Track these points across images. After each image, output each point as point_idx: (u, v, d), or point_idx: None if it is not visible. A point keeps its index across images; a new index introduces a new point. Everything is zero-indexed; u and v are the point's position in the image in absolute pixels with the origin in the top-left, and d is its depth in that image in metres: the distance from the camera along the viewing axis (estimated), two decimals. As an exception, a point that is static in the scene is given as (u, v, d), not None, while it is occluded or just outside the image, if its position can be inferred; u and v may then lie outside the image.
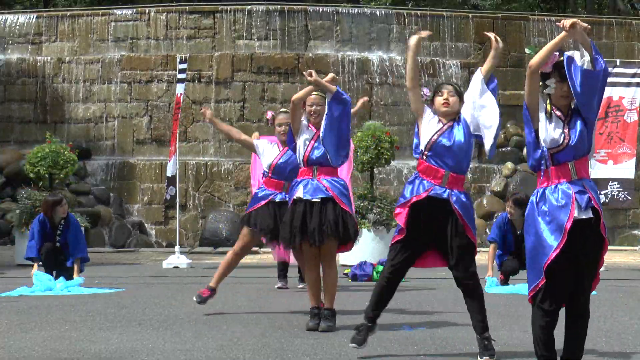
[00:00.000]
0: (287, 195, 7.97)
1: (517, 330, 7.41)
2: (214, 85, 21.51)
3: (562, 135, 5.23)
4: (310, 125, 7.70)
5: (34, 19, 22.89)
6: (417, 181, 6.20)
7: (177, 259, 14.65)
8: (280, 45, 22.21)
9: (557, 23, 5.22)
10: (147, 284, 11.59)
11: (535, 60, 5.24)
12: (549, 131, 5.23)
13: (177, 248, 14.89)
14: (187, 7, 22.96)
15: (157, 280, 12.19)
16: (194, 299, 8.40)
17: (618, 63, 15.68)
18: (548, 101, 5.29)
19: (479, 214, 20.53)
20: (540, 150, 5.27)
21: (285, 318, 8.26)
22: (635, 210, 21.14)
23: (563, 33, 5.24)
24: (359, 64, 21.68)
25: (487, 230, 18.73)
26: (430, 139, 6.16)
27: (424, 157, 6.17)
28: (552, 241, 5.18)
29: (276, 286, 10.95)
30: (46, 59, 22.24)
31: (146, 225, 20.51)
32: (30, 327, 7.64)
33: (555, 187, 5.25)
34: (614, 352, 6.41)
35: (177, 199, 15.25)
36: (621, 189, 14.85)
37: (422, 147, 6.17)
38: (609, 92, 15.11)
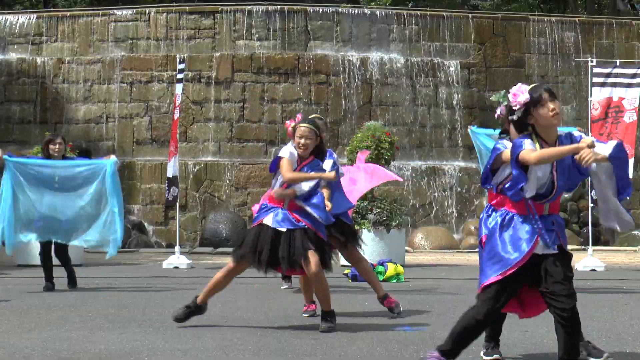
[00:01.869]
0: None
1: (517, 331, 7.41)
2: (214, 85, 21.52)
3: (552, 185, 5.20)
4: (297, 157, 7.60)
5: (34, 19, 22.90)
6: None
7: (177, 260, 14.65)
8: (280, 45, 22.22)
9: (577, 161, 5.03)
10: (147, 285, 11.59)
11: (536, 159, 5.05)
12: (537, 181, 5.16)
13: (177, 248, 14.89)
14: (187, 8, 22.96)
15: (157, 281, 12.19)
16: None
17: (618, 63, 15.68)
18: (535, 138, 5.18)
19: (479, 214, 20.54)
20: (518, 188, 5.16)
21: (285, 318, 8.26)
22: (635, 210, 21.15)
23: (572, 146, 5.07)
24: (359, 64, 21.69)
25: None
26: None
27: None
28: (512, 258, 5.19)
29: (282, 287, 10.99)
30: (46, 59, 22.25)
31: (146, 225, 20.51)
32: (30, 327, 7.64)
33: (525, 218, 5.23)
34: (614, 352, 6.40)
35: (177, 200, 15.25)
36: None
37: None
38: (608, 92, 15.11)
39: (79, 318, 8.24)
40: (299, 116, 8.03)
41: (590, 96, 15.27)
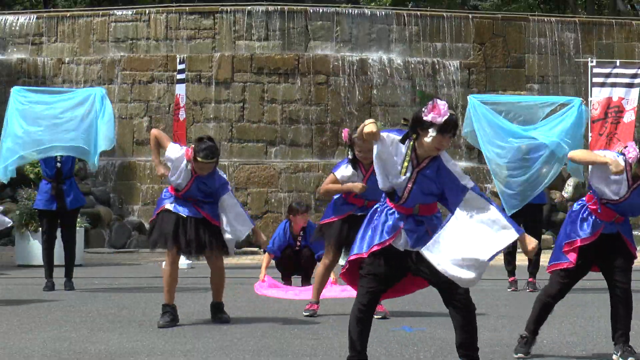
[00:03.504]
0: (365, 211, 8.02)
1: (517, 331, 7.41)
2: (214, 85, 21.51)
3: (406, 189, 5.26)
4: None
5: (34, 19, 22.89)
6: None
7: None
8: (280, 45, 22.21)
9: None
10: (147, 285, 11.59)
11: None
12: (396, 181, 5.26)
13: (177, 249, 14.84)
14: (187, 8, 22.95)
15: (157, 281, 12.18)
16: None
17: (618, 63, 15.68)
18: (409, 154, 5.20)
19: (479, 214, 20.53)
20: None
21: (285, 319, 8.27)
22: (635, 210, 21.14)
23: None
24: (359, 64, 21.69)
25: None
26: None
27: (603, 201, 6.24)
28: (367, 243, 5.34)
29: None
30: (46, 59, 22.24)
31: (146, 225, 20.50)
32: (30, 327, 7.64)
33: (393, 212, 5.31)
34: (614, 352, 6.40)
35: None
36: None
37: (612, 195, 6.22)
38: (608, 92, 15.12)
39: (79, 318, 8.24)
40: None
41: (590, 96, 15.27)
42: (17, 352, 6.45)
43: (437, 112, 5.09)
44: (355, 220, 7.93)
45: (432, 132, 5.11)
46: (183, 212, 7.89)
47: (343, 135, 8.28)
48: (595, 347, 6.81)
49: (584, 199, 6.38)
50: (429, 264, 5.13)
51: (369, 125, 5.13)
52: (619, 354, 6.17)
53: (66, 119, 10.84)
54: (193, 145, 7.81)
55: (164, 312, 7.87)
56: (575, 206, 6.40)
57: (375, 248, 5.26)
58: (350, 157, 8.18)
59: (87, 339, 7.03)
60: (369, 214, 5.47)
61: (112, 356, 6.32)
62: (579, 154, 5.94)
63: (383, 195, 5.44)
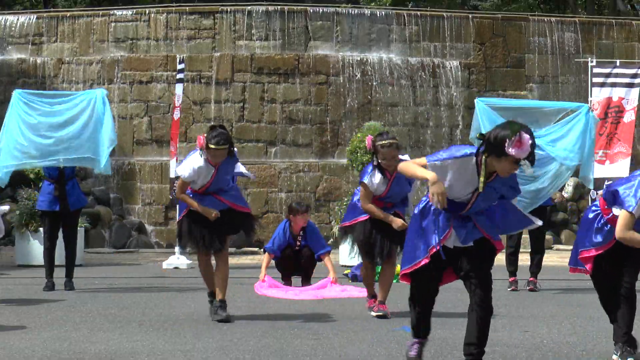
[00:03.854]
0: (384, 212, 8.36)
1: (517, 331, 7.41)
2: (214, 85, 21.51)
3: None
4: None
5: (34, 19, 22.89)
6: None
7: (177, 260, 14.65)
8: (280, 45, 22.21)
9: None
10: (148, 285, 11.59)
11: (400, 169, 5.61)
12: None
13: (177, 249, 14.88)
14: (187, 8, 22.95)
15: (157, 281, 12.19)
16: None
17: (618, 63, 15.69)
18: (484, 171, 5.35)
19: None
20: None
21: (285, 319, 8.26)
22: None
23: (424, 175, 5.44)
24: (359, 64, 21.69)
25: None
26: None
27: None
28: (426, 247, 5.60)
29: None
30: (46, 59, 22.24)
31: (146, 225, 20.51)
32: (30, 327, 7.64)
33: (440, 212, 5.54)
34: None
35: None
36: None
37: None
38: (608, 92, 15.13)
39: (79, 318, 8.24)
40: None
41: (590, 96, 15.28)
42: (17, 352, 6.45)
43: (521, 148, 5.20)
44: (375, 220, 8.28)
45: (508, 162, 5.26)
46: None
47: (367, 142, 8.43)
48: (595, 347, 6.80)
49: (597, 204, 6.35)
50: (472, 260, 5.55)
51: (438, 185, 5.29)
52: (618, 354, 6.17)
53: (71, 129, 10.83)
54: (205, 134, 7.93)
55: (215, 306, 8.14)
56: (590, 214, 6.35)
57: (433, 250, 5.54)
58: (375, 162, 8.28)
59: (87, 339, 7.03)
60: (413, 218, 5.69)
61: (112, 356, 6.31)
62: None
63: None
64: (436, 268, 5.66)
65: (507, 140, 5.18)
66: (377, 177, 8.26)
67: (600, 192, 6.99)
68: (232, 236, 8.45)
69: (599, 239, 6.22)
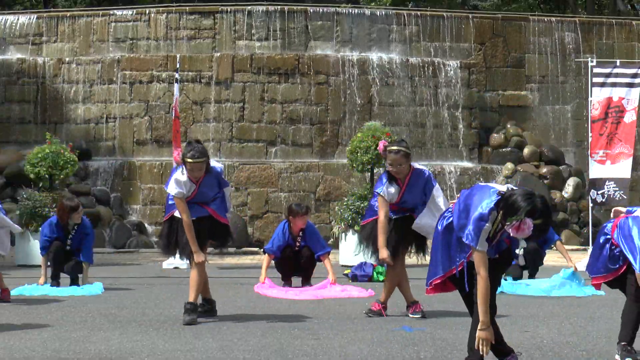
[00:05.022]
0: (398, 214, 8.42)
1: (517, 331, 7.41)
2: (214, 85, 21.51)
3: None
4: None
5: (34, 19, 22.89)
6: None
7: (177, 260, 14.62)
8: (281, 45, 22.21)
9: None
10: (148, 285, 11.59)
11: None
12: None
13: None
14: (187, 8, 22.95)
15: (157, 281, 12.18)
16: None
17: (618, 63, 15.68)
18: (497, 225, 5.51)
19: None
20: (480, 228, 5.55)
21: (285, 319, 8.26)
22: (635, 210, 21.11)
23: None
24: (359, 64, 21.68)
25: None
26: None
27: None
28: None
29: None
30: (46, 59, 22.24)
31: (146, 225, 20.51)
32: (30, 327, 7.64)
33: None
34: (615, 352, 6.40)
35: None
36: (617, 189, 14.88)
37: None
38: (608, 92, 15.12)
39: (79, 318, 8.24)
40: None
41: (590, 96, 15.27)
42: (17, 352, 6.45)
43: (521, 232, 5.34)
44: (389, 222, 8.33)
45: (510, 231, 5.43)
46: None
47: (379, 147, 8.47)
48: (595, 347, 6.80)
49: (609, 229, 6.37)
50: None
51: (487, 332, 5.62)
52: (619, 354, 6.18)
53: None
54: (182, 150, 8.11)
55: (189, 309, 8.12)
56: (602, 239, 6.39)
57: (453, 272, 5.76)
58: (387, 170, 8.34)
59: (87, 339, 7.03)
60: (436, 233, 5.90)
61: (112, 356, 6.31)
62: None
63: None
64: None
65: (514, 221, 5.32)
66: (393, 187, 8.32)
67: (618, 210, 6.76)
68: (213, 242, 8.69)
69: (613, 264, 6.31)
